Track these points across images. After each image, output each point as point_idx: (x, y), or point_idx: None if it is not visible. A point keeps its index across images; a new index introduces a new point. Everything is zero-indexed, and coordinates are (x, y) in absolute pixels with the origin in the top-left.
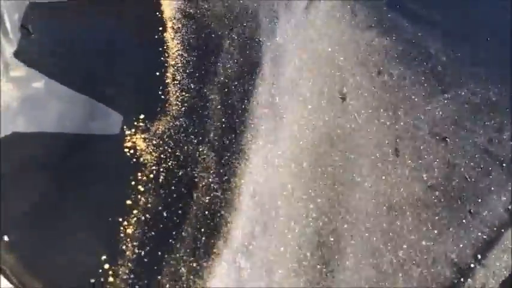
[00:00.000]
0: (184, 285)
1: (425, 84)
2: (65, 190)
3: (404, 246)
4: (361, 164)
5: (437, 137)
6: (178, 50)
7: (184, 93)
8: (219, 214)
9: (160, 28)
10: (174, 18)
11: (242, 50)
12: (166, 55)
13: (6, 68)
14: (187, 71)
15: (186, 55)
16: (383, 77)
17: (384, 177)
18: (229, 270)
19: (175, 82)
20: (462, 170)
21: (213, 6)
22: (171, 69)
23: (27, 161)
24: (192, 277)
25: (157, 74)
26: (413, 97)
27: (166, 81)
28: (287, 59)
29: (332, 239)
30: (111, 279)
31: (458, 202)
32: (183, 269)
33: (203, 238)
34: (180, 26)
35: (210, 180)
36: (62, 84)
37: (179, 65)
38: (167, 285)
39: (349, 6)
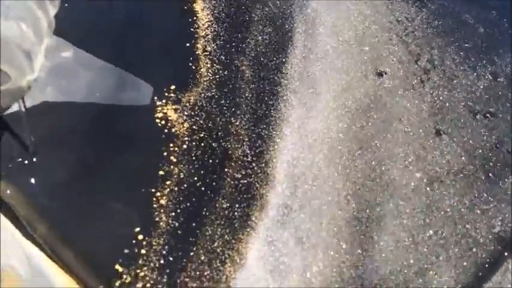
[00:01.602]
0: (220, 258)
1: (467, 60)
2: (96, 160)
3: (446, 223)
4: (399, 139)
5: (479, 113)
6: (208, 21)
7: (215, 65)
8: (253, 187)
9: None
10: None
11: (273, 22)
12: (196, 26)
13: (50, 27)
14: (218, 43)
15: (216, 26)
16: (422, 52)
17: (423, 152)
18: (264, 244)
19: (206, 53)
20: (504, 145)
21: None
22: (201, 41)
23: (58, 131)
24: (227, 250)
25: (188, 45)
26: (455, 73)
27: (197, 52)
28: (320, 31)
29: (370, 215)
30: (143, 250)
31: (501, 176)
32: (218, 241)
33: (238, 211)
34: None
35: (244, 152)
36: (91, 54)
37: (209, 36)
38: (202, 258)
39: None
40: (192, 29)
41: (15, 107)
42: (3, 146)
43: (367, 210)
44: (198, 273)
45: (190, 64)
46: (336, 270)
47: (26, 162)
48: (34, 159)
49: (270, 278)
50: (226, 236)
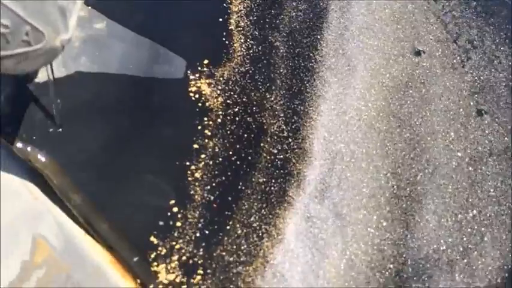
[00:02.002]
0: (257, 233)
1: (507, 40)
2: (129, 132)
3: (490, 203)
4: (439, 117)
5: None
6: None
7: (248, 40)
8: (290, 162)
9: None
10: None
11: None
12: (229, 1)
13: None
14: (251, 18)
15: (249, 2)
16: (461, 32)
17: (464, 132)
18: (302, 220)
19: (239, 29)
20: None
21: None
22: (234, 16)
23: (92, 101)
24: (264, 224)
25: (220, 20)
26: (495, 53)
27: (230, 27)
28: (355, 9)
29: (410, 194)
30: (179, 223)
31: None
32: (255, 216)
33: (275, 186)
34: None
35: (280, 127)
36: (123, 26)
37: (242, 11)
38: (239, 232)
39: None
40: (224, 4)
41: (43, 76)
42: (30, 116)
43: (407, 189)
44: (234, 247)
45: (224, 39)
46: (377, 247)
47: (59, 130)
48: (60, 130)
49: (310, 254)
50: (263, 210)
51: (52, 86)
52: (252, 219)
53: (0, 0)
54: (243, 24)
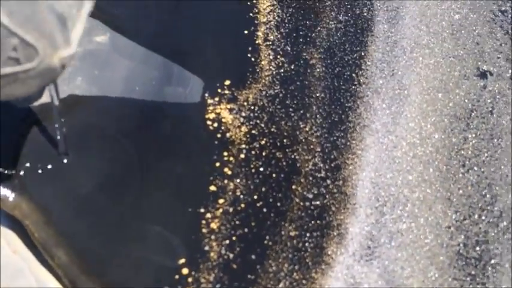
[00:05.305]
0: None
1: None
2: (133, 170)
3: None
4: (503, 151)
5: None
6: (270, 5)
7: (279, 57)
8: (329, 211)
9: None
10: None
11: (350, 8)
12: (256, 10)
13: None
14: (282, 31)
15: (280, 11)
16: None
17: None
18: (344, 286)
19: (268, 43)
20: None
21: None
22: (262, 28)
23: (89, 131)
24: None
25: (246, 32)
26: None
27: (257, 41)
28: (406, 22)
29: (481, 256)
30: None
31: None
32: (284, 281)
33: (310, 241)
34: None
35: (316, 165)
36: (130, 39)
37: (272, 23)
38: None
39: None
40: (251, 14)
41: (45, 97)
42: (27, 146)
43: (477, 248)
44: None
45: (249, 55)
46: None
47: (49, 167)
48: (65, 161)
49: None
50: (295, 274)
51: (57, 110)
52: (281, 285)
53: None
54: (272, 37)
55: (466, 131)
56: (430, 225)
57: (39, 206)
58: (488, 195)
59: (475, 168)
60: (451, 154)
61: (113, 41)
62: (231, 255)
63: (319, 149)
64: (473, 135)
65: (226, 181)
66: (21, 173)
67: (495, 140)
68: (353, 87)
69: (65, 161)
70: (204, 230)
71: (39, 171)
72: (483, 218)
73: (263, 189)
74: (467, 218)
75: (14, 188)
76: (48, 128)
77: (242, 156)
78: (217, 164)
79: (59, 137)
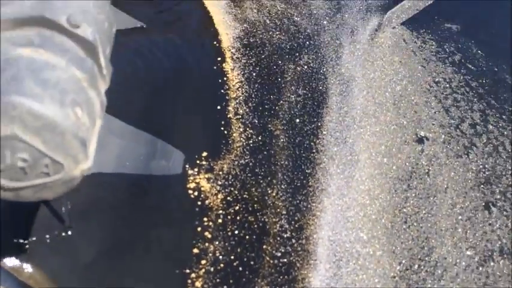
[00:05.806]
0: None
1: (510, 124)
2: (124, 238)
3: None
4: (445, 212)
5: None
6: (239, 82)
7: (247, 129)
8: (294, 267)
9: (219, 58)
10: (233, 47)
11: (306, 82)
12: (227, 87)
13: (102, 107)
14: (250, 105)
15: (247, 87)
16: (463, 116)
17: (471, 227)
18: None
19: (238, 117)
20: None
21: (272, 36)
22: (232, 103)
23: (82, 206)
24: None
25: (218, 107)
26: (499, 139)
27: (228, 115)
28: (356, 93)
29: None
30: None
31: None
32: None
33: None
34: (239, 56)
35: (283, 227)
36: (120, 119)
37: (241, 98)
38: None
39: (418, 36)
40: (222, 91)
41: None
42: (37, 220)
43: None
44: None
45: (222, 128)
46: None
47: (48, 238)
48: (69, 232)
49: None
50: None
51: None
52: None
53: (18, 136)
54: (241, 111)
55: (407, 191)
56: (378, 275)
57: (49, 275)
58: (426, 248)
59: (415, 224)
60: (395, 212)
61: (107, 122)
62: None
63: (284, 212)
64: (413, 195)
65: (207, 244)
66: (33, 244)
67: (431, 198)
68: (312, 154)
69: (69, 232)
70: None
71: (48, 241)
72: (422, 267)
73: (238, 250)
74: (408, 268)
75: (28, 260)
76: (52, 203)
77: (220, 221)
78: (199, 229)
79: (65, 210)
